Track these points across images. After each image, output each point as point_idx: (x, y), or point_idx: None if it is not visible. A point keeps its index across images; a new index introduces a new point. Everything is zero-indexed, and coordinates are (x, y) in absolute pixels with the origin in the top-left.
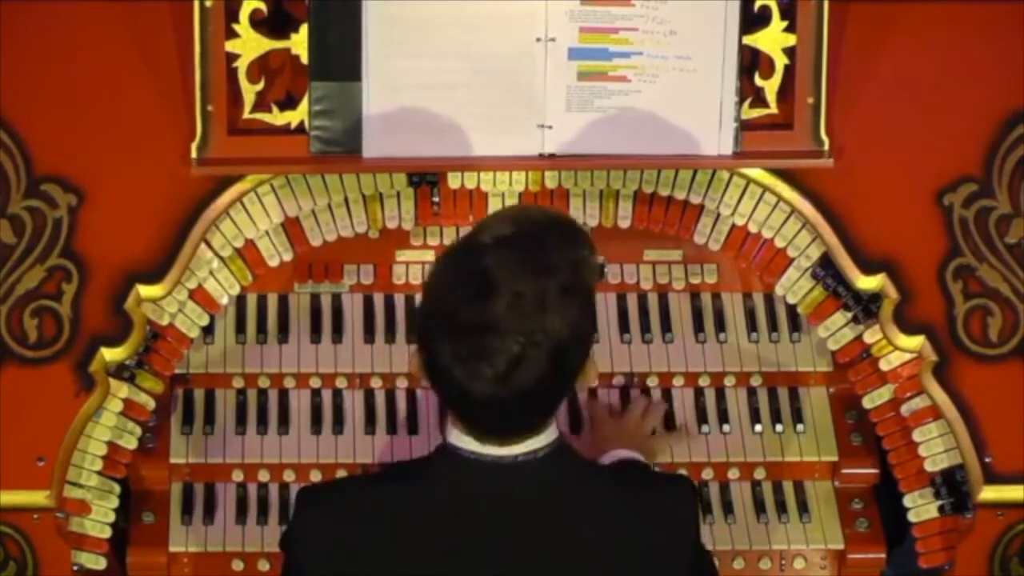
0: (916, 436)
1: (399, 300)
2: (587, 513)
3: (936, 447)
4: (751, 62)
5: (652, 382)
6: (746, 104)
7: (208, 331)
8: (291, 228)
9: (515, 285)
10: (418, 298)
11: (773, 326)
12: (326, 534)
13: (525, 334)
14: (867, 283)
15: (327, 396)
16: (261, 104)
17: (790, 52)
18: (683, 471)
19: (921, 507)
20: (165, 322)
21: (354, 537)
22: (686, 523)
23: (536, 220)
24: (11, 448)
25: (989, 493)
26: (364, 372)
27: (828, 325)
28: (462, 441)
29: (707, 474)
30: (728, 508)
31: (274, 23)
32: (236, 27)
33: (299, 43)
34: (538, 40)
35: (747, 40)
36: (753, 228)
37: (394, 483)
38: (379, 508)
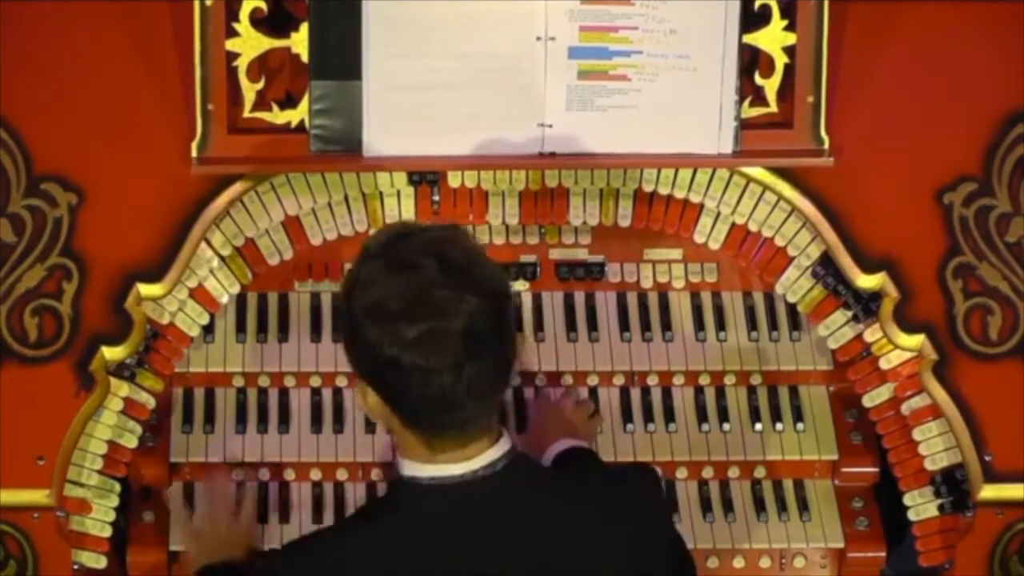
0: (916, 435)
1: None
2: (558, 520)
3: (936, 446)
4: (751, 61)
5: (652, 381)
6: (746, 103)
7: (208, 330)
8: (291, 227)
9: (434, 254)
10: None
11: (773, 325)
12: None
13: (469, 286)
14: (867, 282)
15: (327, 395)
16: (261, 103)
17: (790, 51)
18: (683, 470)
19: (921, 506)
20: (165, 321)
21: None
22: (655, 510)
23: (410, 223)
24: (11, 447)
25: (989, 492)
26: None
27: (828, 324)
28: (417, 469)
29: (707, 472)
30: (728, 506)
31: (274, 22)
32: (236, 26)
33: (299, 42)
34: (538, 39)
35: (747, 39)
36: (753, 227)
37: (363, 528)
38: (353, 557)
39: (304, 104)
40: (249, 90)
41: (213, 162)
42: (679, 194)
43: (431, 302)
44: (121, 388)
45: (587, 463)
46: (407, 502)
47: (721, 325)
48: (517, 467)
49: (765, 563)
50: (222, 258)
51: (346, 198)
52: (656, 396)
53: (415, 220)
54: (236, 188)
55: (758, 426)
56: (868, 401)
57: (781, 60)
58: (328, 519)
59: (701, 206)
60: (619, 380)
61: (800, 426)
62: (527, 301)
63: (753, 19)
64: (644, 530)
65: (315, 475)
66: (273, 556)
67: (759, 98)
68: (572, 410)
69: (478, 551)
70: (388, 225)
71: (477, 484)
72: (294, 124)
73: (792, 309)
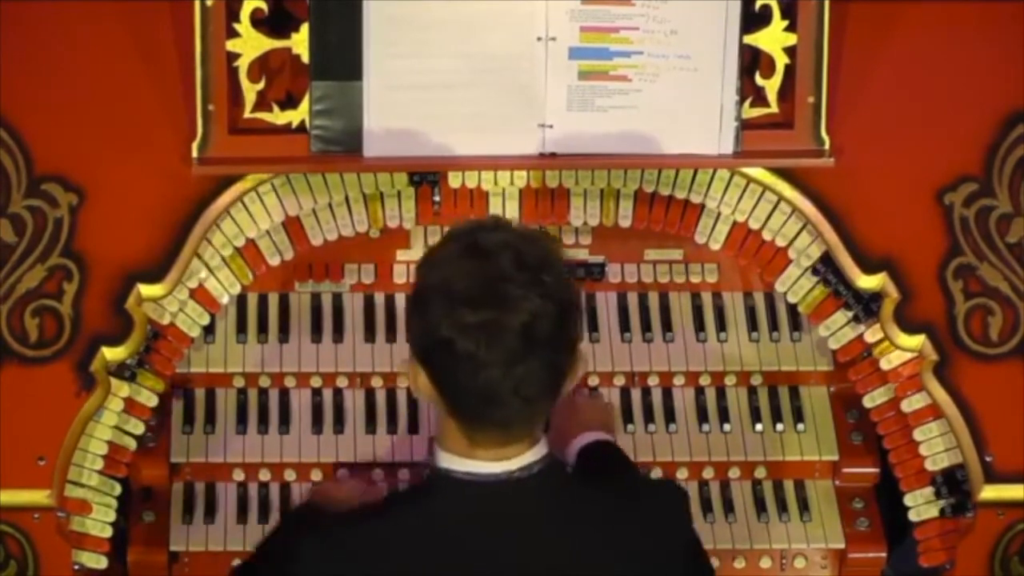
0: (917, 435)
1: (400, 299)
2: (582, 527)
3: (936, 446)
4: (752, 61)
5: (653, 381)
6: (747, 103)
7: (209, 330)
8: (292, 227)
9: (512, 248)
10: None
11: (774, 325)
12: (326, 572)
13: (537, 284)
14: (868, 282)
15: (328, 395)
16: (262, 103)
17: (791, 51)
18: (684, 470)
19: (922, 506)
20: (166, 321)
21: (356, 574)
22: (678, 529)
23: (505, 220)
24: (12, 447)
25: (989, 492)
26: (365, 372)
27: (829, 324)
28: (454, 462)
29: (708, 473)
30: (729, 507)
31: (275, 22)
32: (237, 26)
33: (300, 42)
34: (539, 39)
35: (748, 39)
36: (754, 225)
37: (391, 515)
38: (379, 542)
39: (305, 104)
40: (250, 90)
41: (214, 162)
42: (680, 195)
43: (497, 293)
44: (122, 388)
45: (614, 465)
46: (438, 494)
47: (722, 325)
48: (551, 472)
49: (766, 563)
50: (223, 258)
51: (347, 198)
52: (656, 396)
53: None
54: (237, 188)
55: (759, 426)
56: (869, 401)
57: (782, 60)
58: None
59: (702, 207)
60: (619, 381)
61: (801, 426)
62: None
63: (754, 19)
64: (662, 543)
65: (316, 476)
66: (292, 523)
67: (760, 98)
68: (588, 403)
69: (501, 551)
70: (483, 218)
71: (511, 485)
72: (295, 124)
73: (793, 309)
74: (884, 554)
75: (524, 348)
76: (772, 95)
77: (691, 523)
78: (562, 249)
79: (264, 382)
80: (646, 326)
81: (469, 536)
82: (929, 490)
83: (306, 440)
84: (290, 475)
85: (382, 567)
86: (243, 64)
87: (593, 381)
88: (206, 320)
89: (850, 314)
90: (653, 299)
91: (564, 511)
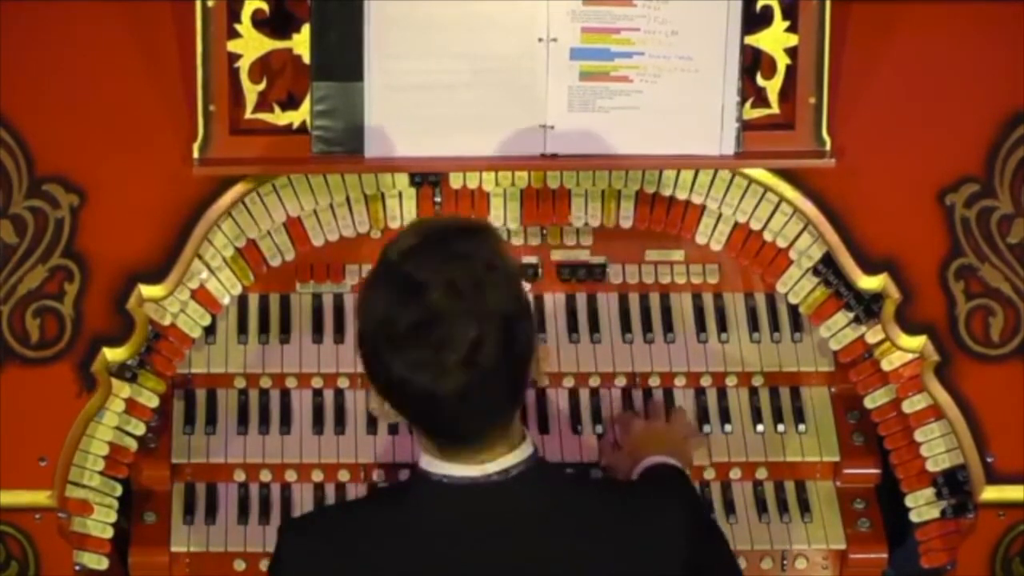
0: (918, 436)
1: None
2: (565, 530)
3: (938, 447)
4: (753, 62)
5: (654, 382)
6: (748, 104)
7: (210, 331)
8: (293, 228)
9: (443, 276)
10: None
11: (775, 326)
12: (310, 564)
13: (474, 314)
14: (869, 283)
15: (329, 396)
16: (263, 104)
17: (792, 52)
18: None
19: (923, 507)
20: (167, 322)
21: (338, 566)
22: (676, 525)
23: (437, 225)
24: (13, 448)
25: (991, 493)
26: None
27: (830, 325)
28: (432, 465)
29: (709, 474)
30: (730, 508)
31: (276, 23)
32: (238, 27)
33: (301, 43)
34: (540, 40)
35: (749, 40)
36: (755, 225)
37: (373, 510)
38: (360, 536)
39: (306, 105)
40: (251, 91)
41: (215, 163)
42: (681, 195)
43: (434, 332)
44: (123, 389)
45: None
46: (415, 493)
47: (723, 326)
48: (534, 474)
49: (767, 564)
50: (224, 259)
51: (348, 199)
52: (658, 397)
53: (443, 219)
54: (238, 189)
55: (760, 427)
56: (870, 402)
57: (783, 61)
58: None
59: (703, 207)
60: (620, 381)
61: (802, 427)
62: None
63: (755, 20)
64: (656, 544)
65: (317, 476)
66: (283, 529)
67: (761, 99)
68: (666, 429)
69: (476, 550)
70: (415, 226)
71: (489, 488)
72: (296, 125)
73: (794, 310)
74: (885, 555)
75: (473, 377)
76: (773, 96)
77: (694, 505)
78: (500, 241)
79: (265, 383)
80: (647, 327)
81: (444, 535)
82: (930, 491)
83: (307, 441)
84: (291, 476)
85: (357, 559)
86: (244, 65)
87: (594, 382)
88: (207, 321)
89: (851, 315)
90: (654, 300)
91: (547, 512)
